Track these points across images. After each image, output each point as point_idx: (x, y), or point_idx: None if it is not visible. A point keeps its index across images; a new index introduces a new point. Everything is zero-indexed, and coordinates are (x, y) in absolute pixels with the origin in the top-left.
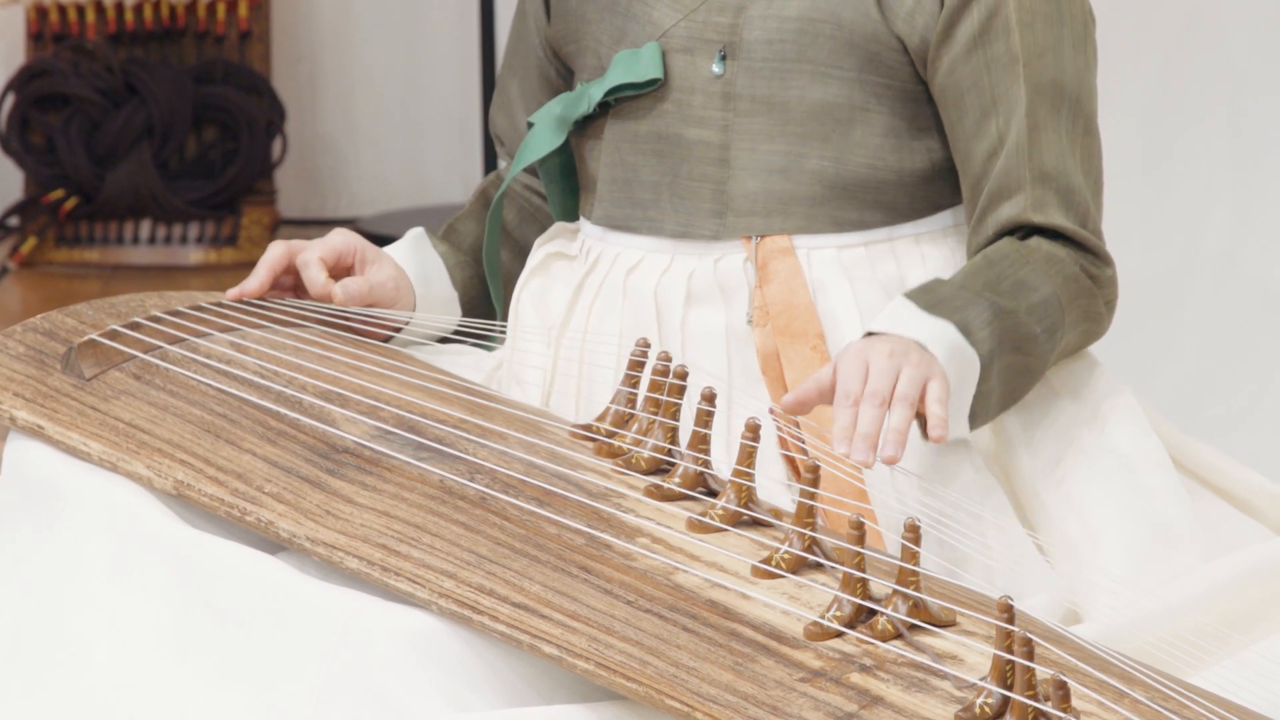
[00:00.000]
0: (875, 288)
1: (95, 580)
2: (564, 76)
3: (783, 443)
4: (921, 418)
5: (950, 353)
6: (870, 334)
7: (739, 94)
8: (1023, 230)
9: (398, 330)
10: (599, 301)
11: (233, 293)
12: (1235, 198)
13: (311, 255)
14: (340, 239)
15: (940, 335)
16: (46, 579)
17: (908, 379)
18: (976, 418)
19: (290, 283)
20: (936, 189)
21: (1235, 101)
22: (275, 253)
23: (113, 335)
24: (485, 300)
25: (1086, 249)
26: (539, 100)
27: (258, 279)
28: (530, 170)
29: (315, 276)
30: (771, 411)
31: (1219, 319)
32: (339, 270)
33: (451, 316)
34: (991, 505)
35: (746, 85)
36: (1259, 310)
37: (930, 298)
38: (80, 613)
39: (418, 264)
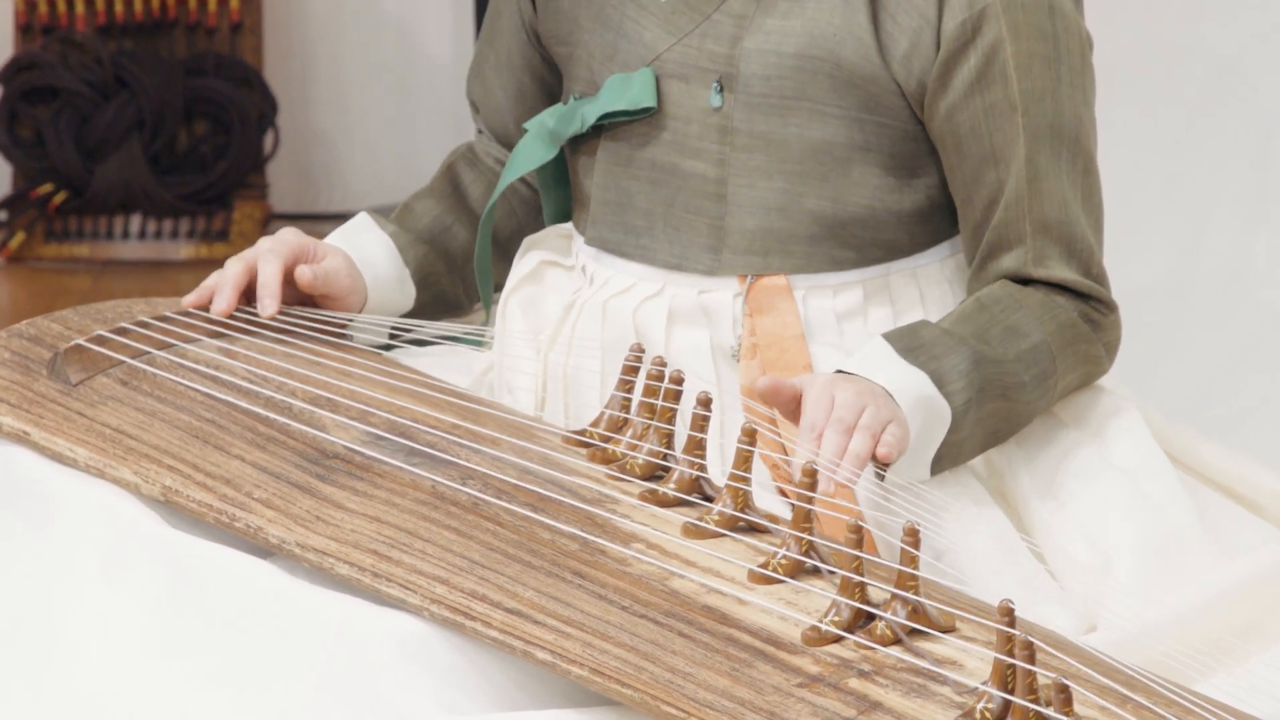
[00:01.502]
0: (866, 338)
1: (85, 584)
2: (547, 63)
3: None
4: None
5: (917, 402)
6: (840, 372)
7: (737, 129)
8: (1023, 280)
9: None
10: (581, 321)
11: (189, 299)
12: (1241, 197)
13: (271, 271)
14: (293, 239)
15: (911, 384)
16: (36, 583)
17: (871, 414)
18: (942, 462)
19: (249, 293)
20: (934, 225)
21: (1241, 101)
22: (235, 270)
23: (99, 340)
24: (444, 281)
25: (1089, 296)
26: (516, 78)
27: (225, 300)
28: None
29: (273, 293)
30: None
31: (1223, 319)
32: (291, 268)
33: (406, 295)
34: (985, 518)
35: (745, 120)
36: (1263, 311)
37: (910, 341)
38: (70, 616)
39: (359, 249)
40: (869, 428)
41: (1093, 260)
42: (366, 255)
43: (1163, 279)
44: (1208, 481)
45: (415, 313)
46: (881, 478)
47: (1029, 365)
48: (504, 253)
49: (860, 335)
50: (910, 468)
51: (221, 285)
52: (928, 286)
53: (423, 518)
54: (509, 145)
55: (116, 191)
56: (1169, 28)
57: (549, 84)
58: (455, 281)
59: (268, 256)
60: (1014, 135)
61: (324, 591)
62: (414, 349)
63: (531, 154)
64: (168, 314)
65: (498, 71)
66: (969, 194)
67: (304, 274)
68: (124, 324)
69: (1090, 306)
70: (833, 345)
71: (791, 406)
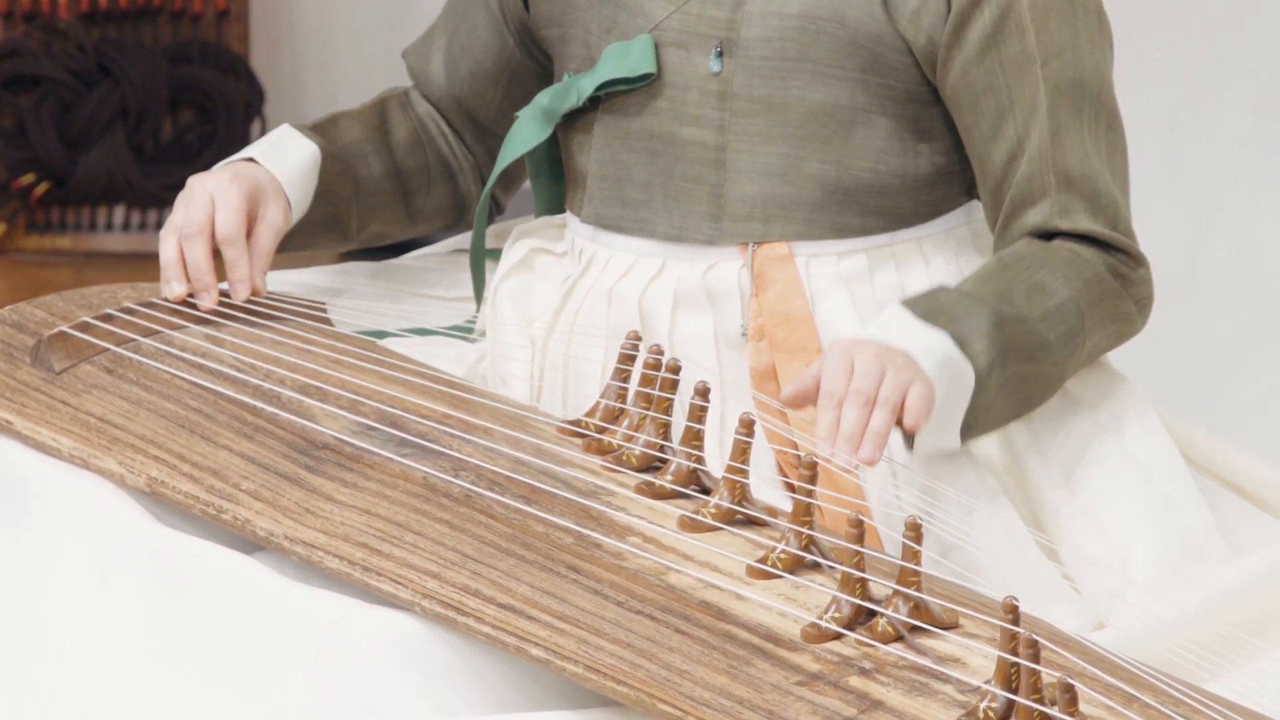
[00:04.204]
0: (874, 302)
1: (67, 581)
2: (523, 47)
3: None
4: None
5: (942, 364)
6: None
7: (736, 93)
8: (1049, 235)
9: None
10: (584, 309)
11: (172, 296)
12: (1246, 187)
13: (236, 254)
14: (240, 200)
15: (934, 346)
16: (17, 579)
17: (891, 383)
18: (972, 429)
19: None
20: (940, 193)
21: (1247, 90)
22: (203, 252)
23: (84, 327)
24: (340, 203)
25: (1117, 249)
26: (473, 57)
27: (212, 298)
28: (475, 126)
29: (244, 278)
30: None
31: (1229, 312)
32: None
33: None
34: (994, 513)
35: (744, 85)
36: (1270, 303)
37: (928, 305)
38: (52, 614)
39: (286, 171)
40: (888, 400)
41: (1119, 216)
42: (292, 175)
43: (1167, 271)
44: (1214, 477)
45: (303, 226)
46: (910, 447)
47: (1055, 324)
48: (403, 188)
49: (868, 299)
50: (938, 434)
51: (198, 276)
52: (933, 254)
53: (414, 510)
54: (441, 110)
55: (100, 182)
56: (1169, 11)
57: (512, 69)
58: (350, 208)
59: (228, 234)
60: (1034, 88)
61: (314, 590)
62: (409, 338)
63: (525, 136)
64: (154, 300)
65: (444, 52)
66: (987, 152)
67: (261, 281)
68: (109, 310)
69: (1118, 260)
70: (840, 308)
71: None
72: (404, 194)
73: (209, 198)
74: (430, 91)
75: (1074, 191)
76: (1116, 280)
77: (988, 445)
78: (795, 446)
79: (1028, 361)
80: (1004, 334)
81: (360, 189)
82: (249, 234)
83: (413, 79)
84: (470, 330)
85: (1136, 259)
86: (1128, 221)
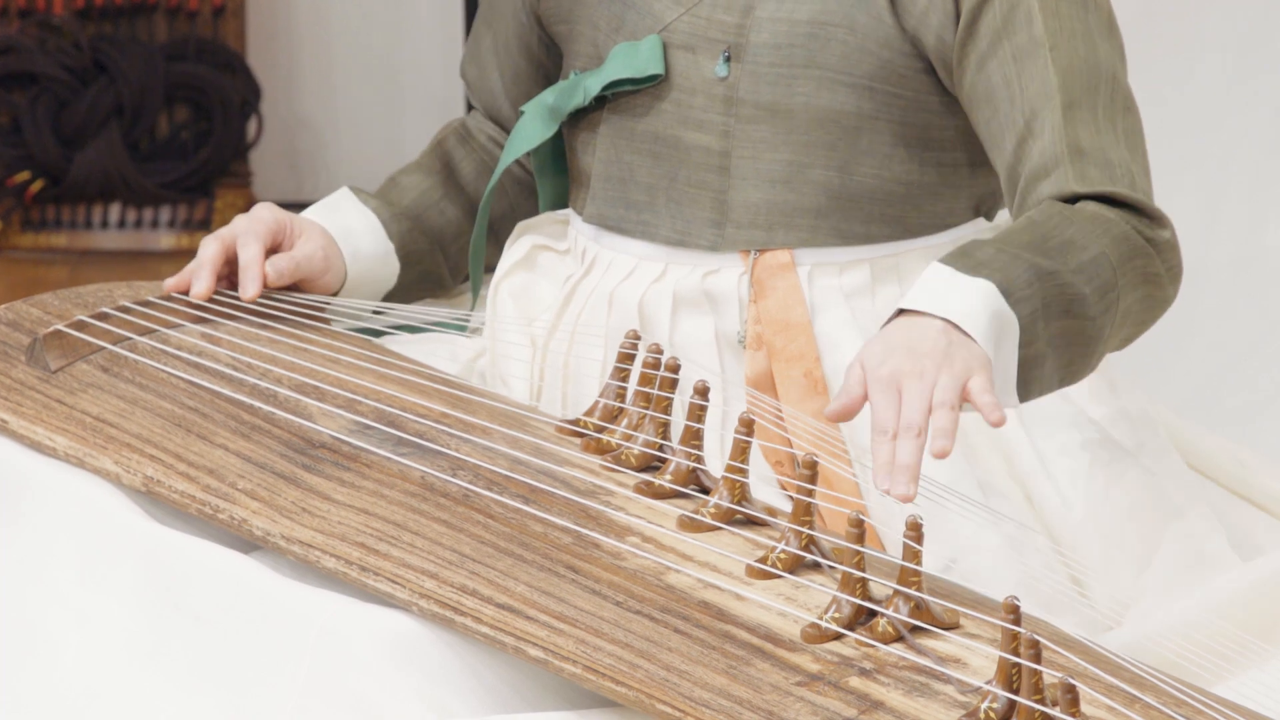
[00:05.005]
0: (874, 316)
1: (62, 580)
2: (545, 45)
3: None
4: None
5: (991, 319)
6: (903, 311)
7: (742, 99)
8: (1069, 201)
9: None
10: (586, 311)
11: (170, 283)
12: (1252, 185)
13: (253, 253)
14: (270, 218)
15: (981, 297)
16: (12, 579)
17: (944, 385)
18: (1031, 385)
19: (228, 275)
20: (946, 205)
21: (1252, 91)
22: (212, 251)
23: (80, 326)
24: (427, 259)
25: (1138, 210)
26: (513, 60)
27: (204, 284)
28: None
29: (256, 275)
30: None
31: (1236, 312)
32: (271, 249)
33: (390, 271)
34: (999, 516)
35: (750, 90)
36: (1276, 300)
37: (969, 261)
38: (47, 614)
39: (338, 223)
40: (945, 402)
41: (1135, 183)
42: (347, 230)
43: None
44: (1228, 489)
45: (398, 290)
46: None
47: (1089, 278)
48: (494, 235)
49: (869, 313)
50: (996, 392)
51: (199, 268)
52: None
53: (411, 510)
54: (503, 125)
55: (95, 179)
56: (1177, 13)
57: (545, 68)
58: (438, 259)
59: (247, 238)
60: (1044, 70)
61: (309, 589)
62: (402, 335)
63: (530, 133)
64: (150, 298)
65: (494, 53)
66: (1002, 138)
67: (269, 278)
68: (105, 308)
69: (1142, 223)
70: (840, 322)
71: (862, 406)
72: (491, 228)
73: (245, 216)
74: (490, 102)
75: (1087, 161)
76: (1144, 240)
77: (988, 451)
78: (789, 444)
79: (1068, 317)
80: (1044, 286)
81: (442, 238)
82: (280, 250)
83: (473, 95)
84: (465, 325)
85: (1159, 220)
86: (1147, 191)
